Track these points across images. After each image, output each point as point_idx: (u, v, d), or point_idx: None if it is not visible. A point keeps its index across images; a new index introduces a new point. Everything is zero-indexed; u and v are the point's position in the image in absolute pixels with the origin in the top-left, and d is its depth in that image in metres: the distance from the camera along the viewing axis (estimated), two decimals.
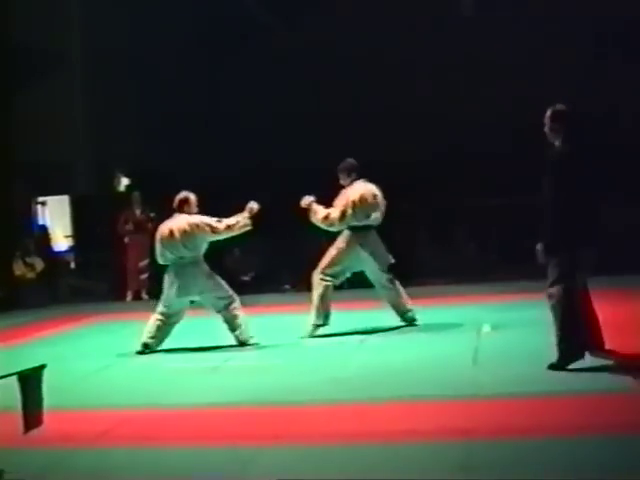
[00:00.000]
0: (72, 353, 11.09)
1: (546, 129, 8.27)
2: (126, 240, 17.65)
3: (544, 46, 17.52)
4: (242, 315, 10.80)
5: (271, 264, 17.76)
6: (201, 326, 12.73)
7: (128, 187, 20.35)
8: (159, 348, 10.82)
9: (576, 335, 7.97)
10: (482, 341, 9.97)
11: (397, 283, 11.27)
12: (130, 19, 19.91)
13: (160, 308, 10.87)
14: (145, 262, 17.46)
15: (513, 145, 17.02)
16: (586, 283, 8.36)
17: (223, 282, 10.86)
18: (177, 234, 10.59)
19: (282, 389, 8.13)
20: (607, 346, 8.36)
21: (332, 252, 11.19)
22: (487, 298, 12.94)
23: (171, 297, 10.76)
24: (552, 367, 7.93)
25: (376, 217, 11.18)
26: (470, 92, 17.81)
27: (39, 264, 17.92)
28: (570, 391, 7.30)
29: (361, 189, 11.14)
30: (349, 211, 11.03)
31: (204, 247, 10.78)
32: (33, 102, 19.20)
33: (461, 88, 17.98)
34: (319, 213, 11.17)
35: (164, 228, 10.77)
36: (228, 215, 10.82)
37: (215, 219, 10.74)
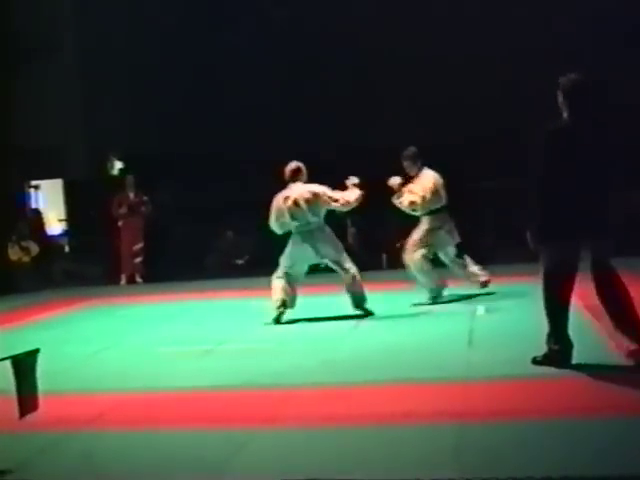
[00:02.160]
0: (66, 337, 11.08)
1: (559, 100, 7.57)
2: (120, 224, 17.63)
3: None
4: (360, 282, 11.13)
5: (265, 247, 17.74)
6: (194, 310, 12.76)
7: (121, 170, 20.31)
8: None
9: (566, 337, 7.54)
10: (477, 323, 9.98)
11: (465, 257, 12.13)
12: (123, 2, 19.85)
13: (282, 270, 11.11)
14: (139, 245, 17.49)
15: (504, 129, 17.06)
16: (609, 274, 7.79)
17: (344, 252, 11.27)
18: (302, 202, 10.92)
19: (275, 372, 8.11)
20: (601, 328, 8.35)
21: (416, 236, 11.87)
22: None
23: (294, 260, 11.07)
24: (535, 362, 7.57)
25: (445, 199, 11.94)
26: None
27: (34, 248, 17.89)
28: (565, 373, 7.29)
29: (432, 175, 11.89)
30: (428, 196, 11.72)
31: (324, 213, 11.12)
32: (26, 86, 19.14)
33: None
34: (403, 198, 11.75)
35: (285, 199, 11.05)
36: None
37: (329, 190, 11.11)
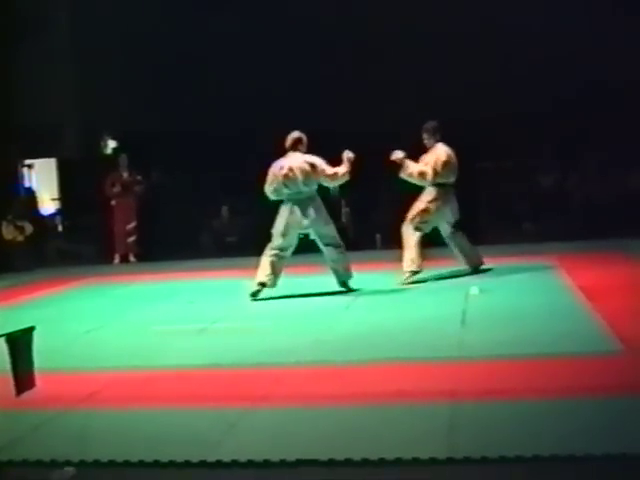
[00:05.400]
0: (60, 316, 11.08)
1: None
2: (113, 203, 17.62)
3: None
4: (346, 258, 11.38)
5: (258, 226, 17.75)
6: (188, 289, 12.77)
7: (115, 150, 20.25)
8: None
9: None
10: (470, 303, 9.99)
11: (460, 234, 12.19)
12: None
13: (275, 242, 11.27)
14: (132, 225, 17.49)
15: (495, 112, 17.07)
16: None
17: (332, 226, 11.40)
18: (297, 172, 11.06)
19: (268, 351, 8.13)
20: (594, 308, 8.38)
21: (420, 205, 11.97)
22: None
23: (288, 228, 11.17)
24: None
25: (455, 177, 12.08)
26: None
27: (28, 227, 17.85)
28: (558, 353, 7.31)
29: (447, 150, 12.03)
30: (440, 169, 11.86)
31: (317, 185, 11.28)
32: (19, 66, 19.07)
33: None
34: (412, 168, 11.87)
35: (281, 166, 11.20)
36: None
37: (325, 163, 11.23)
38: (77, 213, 19.49)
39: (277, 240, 11.25)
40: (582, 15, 16.90)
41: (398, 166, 11.87)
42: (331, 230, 11.33)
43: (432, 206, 11.94)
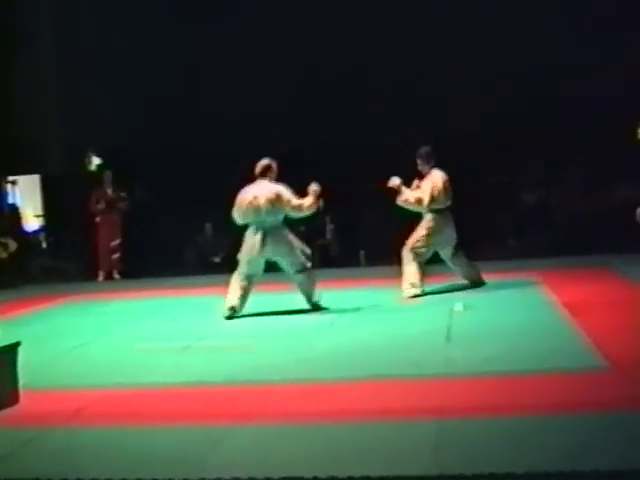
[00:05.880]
0: (45, 333, 11.03)
1: None
2: (97, 220, 17.60)
3: None
4: (314, 282, 11.34)
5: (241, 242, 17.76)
6: (172, 306, 12.74)
7: (99, 166, 20.22)
8: (131, 331, 10.76)
9: None
10: (455, 320, 10.00)
11: (460, 254, 12.33)
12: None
13: (241, 269, 11.28)
14: (117, 242, 17.48)
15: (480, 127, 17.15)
16: None
17: (299, 252, 11.26)
18: (262, 200, 11.04)
19: (253, 368, 8.11)
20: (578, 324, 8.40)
21: (421, 232, 12.04)
22: (459, 277, 12.95)
23: (252, 255, 11.15)
24: None
25: (451, 201, 12.16)
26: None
27: (12, 244, 17.77)
28: (544, 370, 7.32)
29: (443, 176, 12.09)
30: (436, 196, 11.94)
31: (282, 215, 11.22)
32: (4, 81, 19.04)
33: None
34: (408, 194, 11.98)
35: (247, 193, 11.18)
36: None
37: (291, 194, 11.18)
38: (61, 230, 19.46)
39: (243, 267, 11.28)
40: (568, 32, 17.00)
41: (395, 192, 11.93)
42: (295, 256, 11.23)
43: (432, 232, 12.04)
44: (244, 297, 11.25)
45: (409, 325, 10.02)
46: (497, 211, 17.95)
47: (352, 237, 17.51)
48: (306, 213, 11.33)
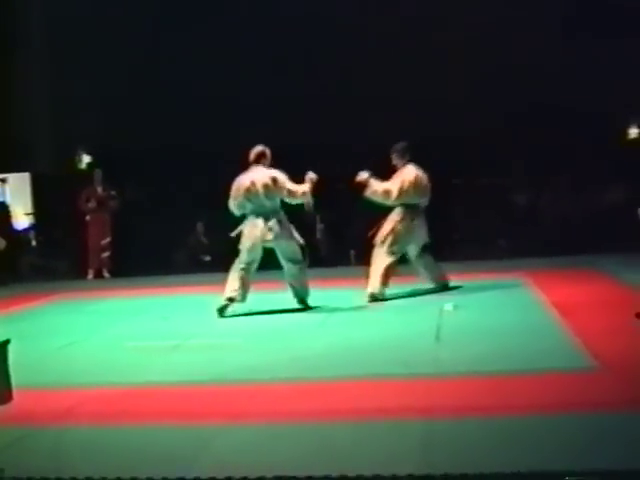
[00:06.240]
0: (34, 331, 11.00)
1: None
2: (87, 218, 17.58)
3: None
4: (305, 276, 11.37)
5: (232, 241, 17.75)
6: (162, 305, 12.74)
7: (89, 165, 20.19)
8: (120, 329, 10.76)
9: None
10: (444, 320, 10.01)
11: (426, 255, 12.17)
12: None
13: (242, 257, 11.27)
14: (107, 240, 17.46)
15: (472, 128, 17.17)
16: None
17: (296, 241, 11.30)
18: (259, 186, 11.04)
19: (243, 367, 8.12)
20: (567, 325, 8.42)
21: (388, 226, 11.93)
22: (449, 277, 12.98)
23: (253, 243, 11.15)
24: None
25: (425, 200, 12.09)
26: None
27: (1, 242, 17.68)
28: (533, 370, 7.34)
29: (416, 171, 11.97)
30: (405, 189, 11.81)
31: (279, 200, 11.27)
32: None
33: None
34: (376, 186, 11.83)
35: (244, 180, 11.19)
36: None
37: (287, 179, 11.23)
38: (51, 228, 19.43)
39: (244, 255, 11.26)
40: (556, 35, 17.07)
41: (363, 187, 11.85)
42: (293, 246, 11.27)
43: (400, 226, 11.89)
44: (243, 288, 11.21)
45: (399, 325, 10.04)
46: (487, 211, 17.98)
47: (342, 236, 17.53)
48: (300, 199, 11.31)
